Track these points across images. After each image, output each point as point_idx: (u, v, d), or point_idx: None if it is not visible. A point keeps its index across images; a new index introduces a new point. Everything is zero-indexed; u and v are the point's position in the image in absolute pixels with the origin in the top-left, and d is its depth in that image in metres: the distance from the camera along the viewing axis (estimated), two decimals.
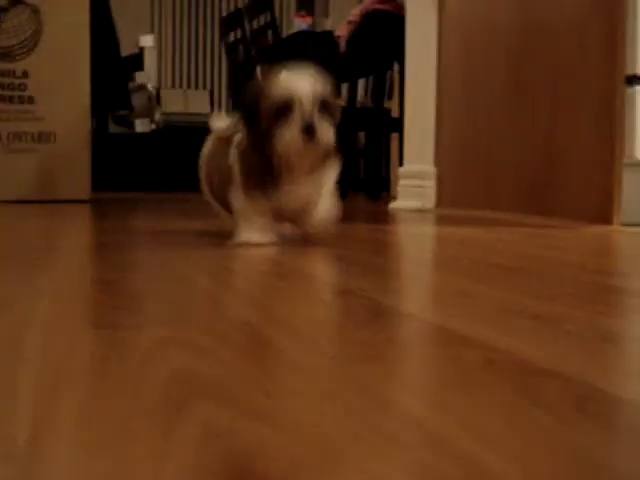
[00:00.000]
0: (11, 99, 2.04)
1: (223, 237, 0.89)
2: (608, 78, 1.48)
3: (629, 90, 1.46)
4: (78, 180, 2.10)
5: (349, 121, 3.10)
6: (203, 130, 3.99)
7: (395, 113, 3.11)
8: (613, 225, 1.46)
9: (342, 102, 3.37)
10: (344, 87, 3.47)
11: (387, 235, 1.19)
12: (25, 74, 2.04)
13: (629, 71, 1.46)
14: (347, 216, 1.67)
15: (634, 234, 1.28)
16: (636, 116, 1.46)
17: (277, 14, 4.13)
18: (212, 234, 1.02)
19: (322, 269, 0.74)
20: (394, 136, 3.16)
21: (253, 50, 3.87)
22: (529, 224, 1.47)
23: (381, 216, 1.75)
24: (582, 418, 0.28)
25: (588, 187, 1.53)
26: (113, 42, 3.31)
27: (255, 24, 3.85)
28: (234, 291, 0.59)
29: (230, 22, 4.16)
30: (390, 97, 3.52)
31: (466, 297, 0.56)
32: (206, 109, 5.06)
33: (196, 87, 5.36)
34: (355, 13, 3.07)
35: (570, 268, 0.76)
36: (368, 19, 2.98)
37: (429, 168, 2.10)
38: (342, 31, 3.11)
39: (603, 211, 1.49)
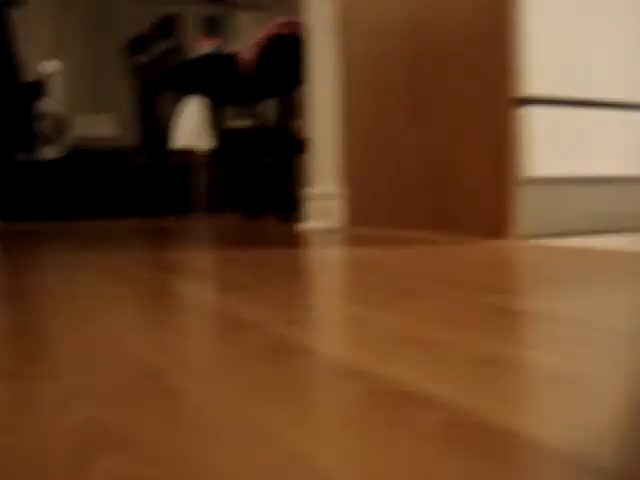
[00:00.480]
0: None
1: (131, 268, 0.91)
2: (498, 98, 1.56)
3: (518, 110, 1.54)
4: None
5: (258, 142, 3.13)
6: (112, 154, 3.99)
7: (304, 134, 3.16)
8: (510, 239, 1.53)
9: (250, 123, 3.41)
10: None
11: (289, 259, 1.22)
12: None
13: (518, 92, 1.54)
14: (252, 239, 1.71)
15: (527, 247, 1.35)
16: (525, 134, 1.54)
17: (184, 36, 4.14)
18: (119, 265, 1.03)
19: (217, 299, 0.77)
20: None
21: (159, 74, 3.87)
22: (432, 242, 1.53)
23: (286, 238, 1.78)
24: (445, 442, 0.32)
25: (486, 203, 1.61)
26: (12, 69, 3.26)
27: (161, 47, 3.85)
28: (135, 330, 0.61)
29: (134, 45, 4.15)
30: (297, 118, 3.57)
31: (360, 326, 0.59)
32: (113, 132, 5.01)
33: (102, 110, 5.30)
34: (260, 36, 3.12)
35: (462, 288, 0.81)
36: (274, 42, 3.03)
37: (336, 188, 2.14)
38: (247, 54, 3.15)
39: (501, 226, 1.56)
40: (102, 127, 4.99)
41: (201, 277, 0.99)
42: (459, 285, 0.83)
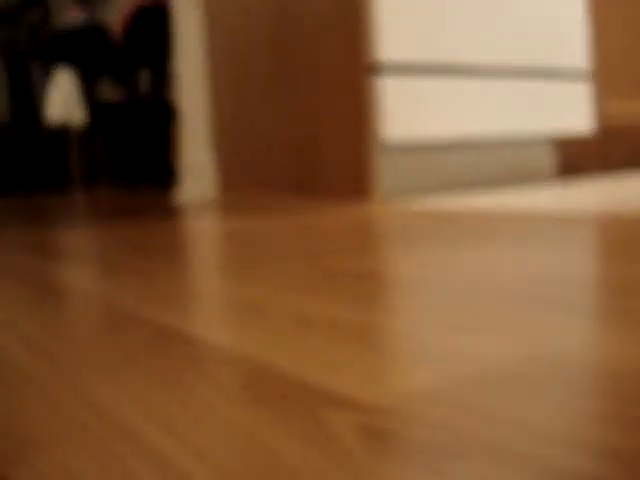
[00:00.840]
0: None
1: None
2: (353, 65, 1.63)
3: (374, 76, 1.61)
4: None
5: (131, 113, 3.11)
6: None
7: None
8: (370, 202, 1.61)
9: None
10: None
11: (156, 232, 1.25)
12: None
13: (372, 58, 1.60)
14: (126, 212, 1.73)
15: (386, 209, 1.42)
16: (381, 100, 1.61)
17: (52, 8, 4.02)
18: None
19: (89, 283, 0.80)
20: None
21: (27, 47, 3.76)
22: (294, 208, 1.59)
23: (159, 210, 1.80)
24: (243, 393, 0.37)
25: (348, 167, 1.68)
26: None
27: (28, 19, 3.74)
28: None
29: (2, 17, 4.00)
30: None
31: (202, 293, 0.64)
32: None
33: None
34: (129, 7, 3.08)
35: (306, 252, 0.86)
36: (141, 13, 3.00)
37: (206, 157, 2.17)
38: (118, 26, 3.11)
39: (361, 189, 1.64)
40: None
41: (70, 256, 1.02)
42: (304, 251, 0.89)
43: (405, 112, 1.65)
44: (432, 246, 0.87)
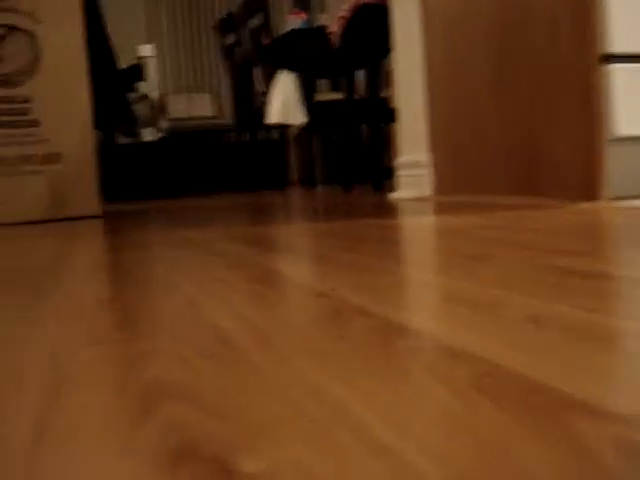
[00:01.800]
0: (15, 124, 2.12)
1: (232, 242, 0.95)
2: (584, 58, 1.53)
3: (605, 69, 1.51)
4: (87, 197, 2.18)
5: (349, 113, 3.16)
6: (209, 133, 4.11)
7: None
8: (600, 201, 1.51)
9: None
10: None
11: (372, 229, 1.25)
12: (26, 99, 2.12)
13: (603, 50, 1.51)
14: (344, 210, 1.75)
15: (616, 209, 1.33)
16: (612, 93, 1.51)
17: (272, 13, 4.19)
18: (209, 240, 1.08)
19: (298, 269, 0.80)
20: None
21: (250, 51, 3.94)
22: (517, 206, 1.53)
23: (376, 208, 1.81)
24: (477, 395, 0.34)
25: (574, 166, 1.59)
26: (109, 56, 3.39)
27: (250, 25, 3.91)
28: (216, 298, 0.65)
29: (224, 25, 4.22)
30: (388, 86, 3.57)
31: (428, 289, 0.62)
32: (209, 112, 5.13)
33: (198, 91, 5.42)
34: (345, 8, 3.13)
35: (532, 251, 0.82)
36: (359, 13, 3.04)
37: (424, 157, 2.15)
38: (334, 26, 3.17)
39: (590, 188, 1.54)
40: (199, 107, 5.11)
41: (286, 249, 1.03)
42: (531, 248, 0.85)
43: (636, 107, 1.53)
44: None
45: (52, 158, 2.13)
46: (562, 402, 0.32)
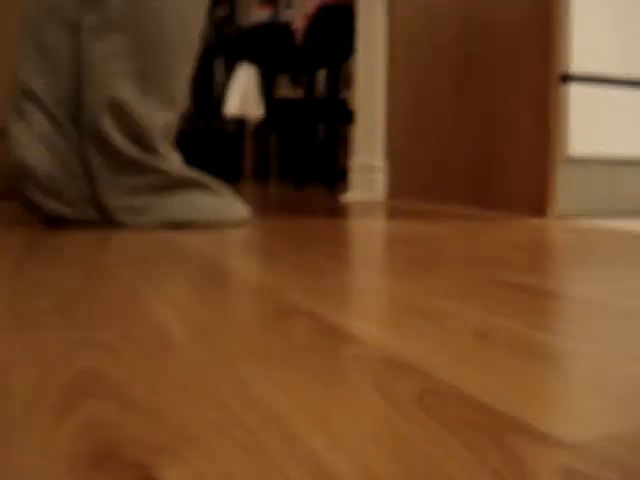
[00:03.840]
0: None
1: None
2: (543, 77, 1.54)
3: (563, 88, 1.52)
4: None
5: (307, 112, 3.14)
6: None
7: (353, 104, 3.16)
8: (547, 218, 1.52)
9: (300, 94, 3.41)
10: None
11: (323, 229, 1.23)
12: None
13: (562, 70, 1.52)
14: (295, 208, 1.73)
15: (564, 227, 1.34)
16: (569, 114, 1.52)
17: (237, 4, 4.15)
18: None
19: (243, 265, 0.78)
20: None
21: (213, 41, 3.89)
22: (468, 217, 1.53)
23: (328, 209, 1.79)
24: (419, 411, 0.33)
25: (526, 181, 1.60)
26: None
27: (215, 15, 3.87)
28: (158, 292, 0.63)
29: None
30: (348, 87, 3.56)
31: (376, 295, 0.61)
32: None
33: None
34: (312, 6, 3.11)
35: (483, 265, 0.81)
36: (324, 12, 3.02)
37: (379, 160, 2.15)
38: (299, 23, 3.15)
39: (539, 204, 1.55)
40: None
41: (233, 244, 1.01)
42: (481, 262, 0.84)
43: (591, 126, 1.55)
44: (610, 266, 0.79)
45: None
46: (506, 424, 0.31)
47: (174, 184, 1.26)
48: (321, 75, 3.77)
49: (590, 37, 1.53)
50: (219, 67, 4.00)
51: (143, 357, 0.41)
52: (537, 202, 1.56)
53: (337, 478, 0.25)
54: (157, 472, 0.25)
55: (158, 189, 1.25)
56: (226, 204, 1.30)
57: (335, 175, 3.00)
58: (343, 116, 3.11)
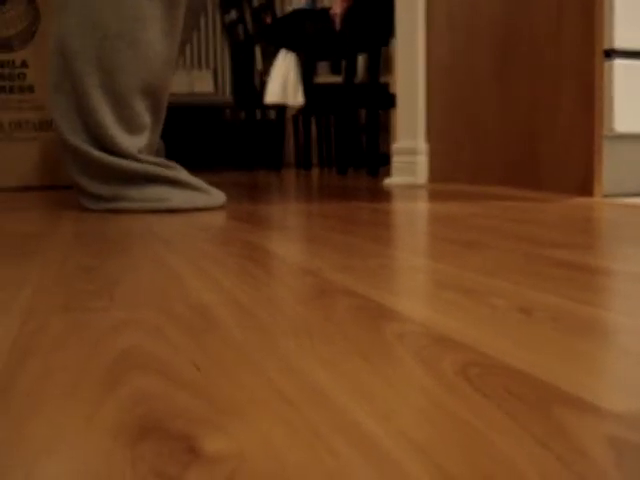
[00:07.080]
0: (11, 89, 2.09)
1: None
2: (586, 52, 1.51)
3: (607, 64, 1.49)
4: None
5: (348, 97, 3.13)
6: (208, 109, 4.09)
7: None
8: (594, 197, 1.50)
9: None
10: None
11: (365, 212, 1.23)
12: (24, 64, 2.09)
13: (606, 45, 1.49)
14: (336, 194, 1.73)
15: (611, 205, 1.31)
16: (614, 89, 1.49)
17: None
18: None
19: (285, 247, 0.78)
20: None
21: (252, 30, 3.89)
22: (512, 197, 1.51)
23: (370, 193, 1.79)
24: (463, 384, 0.33)
25: (571, 159, 1.57)
26: None
27: (253, 3, 3.87)
28: (202, 273, 0.64)
29: (227, 2, 4.17)
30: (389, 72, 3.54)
31: (419, 274, 0.60)
32: (210, 89, 5.09)
33: (199, 67, 5.36)
34: None
35: (525, 242, 0.80)
36: None
37: (420, 144, 2.13)
38: (337, 8, 3.13)
39: (585, 183, 1.53)
40: (199, 83, 5.06)
41: (278, 227, 1.02)
42: (525, 239, 0.83)
43: (637, 101, 1.51)
44: None
45: (46, 125, 2.10)
46: (551, 395, 0.30)
47: (142, 177, 1.30)
48: (360, 60, 3.75)
49: (634, 11, 1.50)
50: (258, 55, 4.01)
51: (187, 336, 0.41)
52: (582, 181, 1.54)
53: (380, 449, 0.25)
54: (201, 443, 0.25)
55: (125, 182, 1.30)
56: (197, 194, 1.33)
57: (377, 160, 2.99)
58: (384, 101, 3.09)
